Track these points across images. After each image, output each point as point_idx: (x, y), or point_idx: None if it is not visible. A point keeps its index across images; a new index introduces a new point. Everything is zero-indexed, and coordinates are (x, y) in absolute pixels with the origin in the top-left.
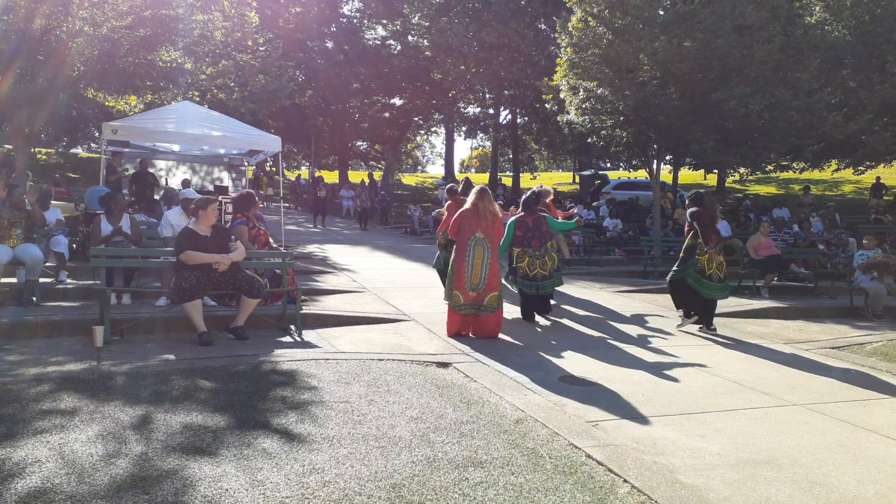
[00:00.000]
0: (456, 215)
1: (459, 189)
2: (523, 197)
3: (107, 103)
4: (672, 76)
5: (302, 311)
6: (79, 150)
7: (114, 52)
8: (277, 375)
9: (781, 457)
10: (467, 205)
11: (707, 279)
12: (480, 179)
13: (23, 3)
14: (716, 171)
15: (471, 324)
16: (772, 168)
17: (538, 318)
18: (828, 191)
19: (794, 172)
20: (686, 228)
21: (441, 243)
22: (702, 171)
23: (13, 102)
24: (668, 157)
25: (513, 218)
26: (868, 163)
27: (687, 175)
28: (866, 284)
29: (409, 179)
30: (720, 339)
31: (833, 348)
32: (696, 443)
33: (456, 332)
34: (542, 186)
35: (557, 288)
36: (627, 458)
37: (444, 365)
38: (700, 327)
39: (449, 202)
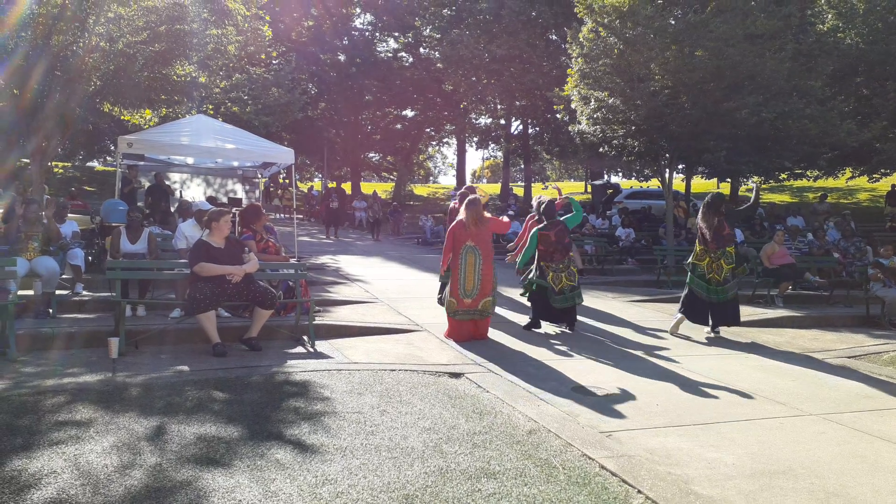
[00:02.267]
0: (450, 228)
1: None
2: (542, 207)
3: (122, 117)
4: (684, 85)
5: (315, 322)
6: (95, 164)
7: (129, 67)
8: (290, 386)
9: (797, 467)
10: (459, 216)
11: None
12: (492, 189)
13: (41, 19)
14: (728, 179)
15: (470, 330)
16: (785, 176)
17: (564, 327)
18: (843, 199)
19: (808, 181)
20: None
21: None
22: (715, 180)
23: (32, 117)
24: (680, 166)
25: (535, 230)
26: (883, 170)
27: (700, 184)
28: (882, 293)
29: (420, 190)
30: (734, 349)
31: (849, 357)
32: (710, 453)
33: (451, 336)
34: (540, 197)
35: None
36: (641, 468)
37: (457, 375)
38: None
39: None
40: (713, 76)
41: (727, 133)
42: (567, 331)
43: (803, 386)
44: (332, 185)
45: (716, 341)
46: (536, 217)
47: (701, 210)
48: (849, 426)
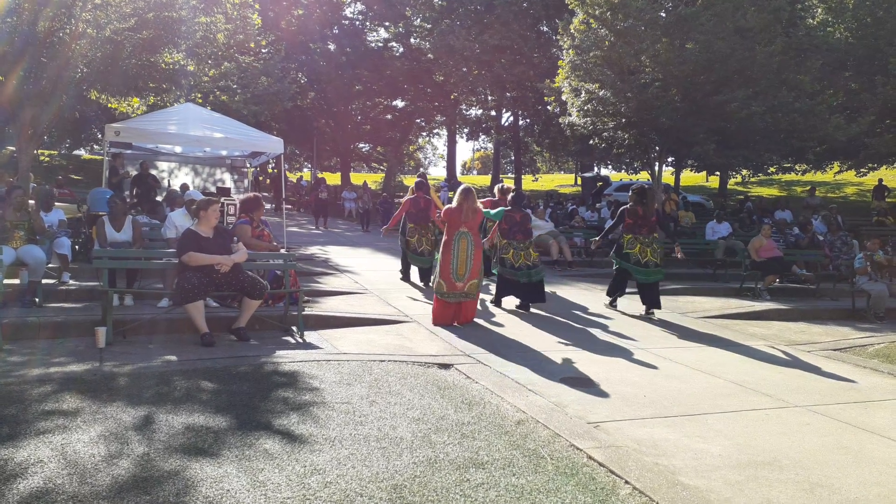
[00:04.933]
0: (444, 210)
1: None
2: (512, 195)
3: (109, 105)
4: (674, 78)
5: (304, 313)
6: (82, 152)
7: (117, 54)
8: (279, 376)
9: (783, 458)
10: (454, 203)
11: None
12: (482, 181)
13: (27, 5)
14: (718, 172)
15: (456, 313)
16: (774, 170)
17: (532, 308)
18: (830, 193)
19: (797, 174)
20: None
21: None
22: (704, 173)
23: (17, 104)
24: (670, 159)
25: (501, 208)
26: (870, 165)
27: (689, 177)
28: (868, 286)
29: (411, 181)
30: (721, 341)
31: (835, 350)
32: (697, 444)
33: (440, 321)
34: (504, 185)
35: (559, 288)
36: (629, 459)
37: (446, 366)
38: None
39: (407, 198)
40: (703, 69)
41: (716, 126)
42: (522, 310)
43: (789, 378)
44: (320, 175)
45: (703, 335)
46: (496, 200)
47: (636, 197)
48: (834, 418)
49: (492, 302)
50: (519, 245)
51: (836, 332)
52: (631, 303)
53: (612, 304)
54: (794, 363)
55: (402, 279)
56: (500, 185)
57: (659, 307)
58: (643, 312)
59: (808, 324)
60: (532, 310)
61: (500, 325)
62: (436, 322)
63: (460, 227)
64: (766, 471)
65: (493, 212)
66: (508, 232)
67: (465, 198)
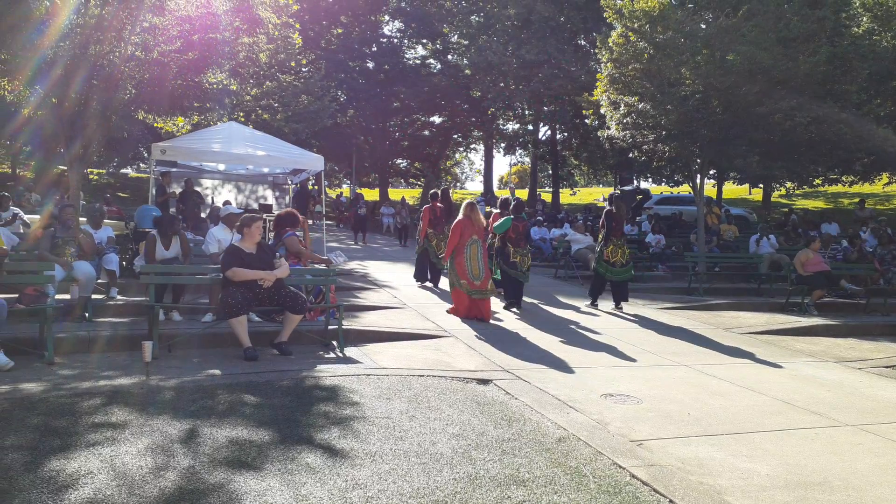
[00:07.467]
0: (455, 224)
1: (440, 196)
2: (513, 204)
3: (155, 125)
4: (715, 90)
5: (344, 327)
6: (128, 170)
7: (163, 76)
8: (320, 391)
9: (833, 479)
10: (461, 216)
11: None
12: (520, 195)
13: (80, 30)
14: (761, 185)
15: (480, 308)
16: (819, 182)
17: (572, 325)
18: (879, 204)
19: (844, 186)
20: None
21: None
22: (746, 186)
23: (70, 125)
24: (711, 172)
25: (507, 218)
26: None
27: (731, 189)
28: None
29: None
30: (767, 358)
31: (887, 367)
32: (744, 463)
33: (465, 314)
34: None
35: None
36: (673, 478)
37: (485, 382)
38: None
39: (425, 206)
40: (745, 80)
41: (759, 138)
42: (517, 310)
43: (839, 396)
44: (360, 191)
45: (748, 351)
46: (501, 212)
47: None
48: (886, 437)
49: (506, 307)
50: (522, 251)
51: (887, 348)
52: (673, 316)
53: (594, 305)
54: (843, 380)
55: (419, 285)
56: (503, 198)
57: (626, 300)
58: (613, 308)
59: (858, 340)
60: (571, 325)
61: (536, 341)
62: (464, 315)
63: (473, 235)
64: (816, 492)
65: (497, 223)
66: (515, 240)
67: (471, 210)
